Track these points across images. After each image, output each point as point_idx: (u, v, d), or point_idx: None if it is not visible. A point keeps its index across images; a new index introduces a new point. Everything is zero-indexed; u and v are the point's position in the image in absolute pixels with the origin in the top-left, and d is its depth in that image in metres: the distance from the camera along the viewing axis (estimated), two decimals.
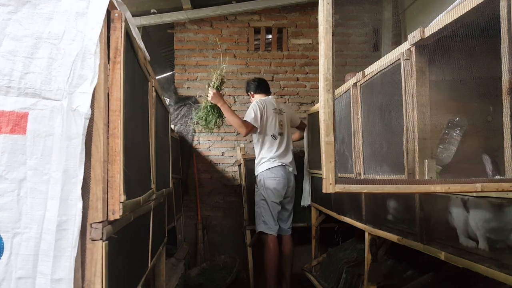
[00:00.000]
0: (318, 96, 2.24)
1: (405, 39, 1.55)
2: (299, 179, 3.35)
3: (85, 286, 1.01)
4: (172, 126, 3.82)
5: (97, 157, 1.03)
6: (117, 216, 1.08)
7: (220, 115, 3.08)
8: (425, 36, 1.44)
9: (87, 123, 1.01)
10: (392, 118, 1.71)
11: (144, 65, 1.55)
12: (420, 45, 1.51)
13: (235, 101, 4.13)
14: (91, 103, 1.02)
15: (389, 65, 1.70)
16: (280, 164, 3.11)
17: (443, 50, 1.51)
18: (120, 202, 1.08)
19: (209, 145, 4.14)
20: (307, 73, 4.19)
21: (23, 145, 0.97)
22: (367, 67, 1.97)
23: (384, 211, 2.01)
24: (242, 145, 3.90)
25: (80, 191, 0.98)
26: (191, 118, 4.09)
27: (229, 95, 4.14)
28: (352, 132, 2.15)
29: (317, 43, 1.57)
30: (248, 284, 3.50)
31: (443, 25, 1.33)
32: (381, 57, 1.85)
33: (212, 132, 3.67)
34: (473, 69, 1.52)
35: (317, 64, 3.37)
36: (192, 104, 4.10)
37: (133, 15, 1.82)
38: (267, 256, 3.05)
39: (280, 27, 4.19)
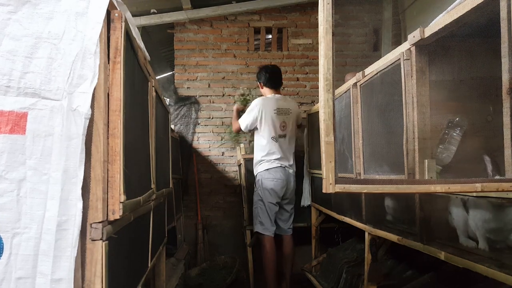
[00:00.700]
0: (318, 96, 2.24)
1: (405, 39, 1.55)
2: (299, 179, 3.34)
3: (85, 286, 1.01)
4: (172, 126, 3.82)
5: (97, 157, 1.03)
6: (117, 216, 1.08)
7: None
8: (425, 36, 1.43)
9: (87, 123, 1.01)
10: (392, 118, 1.71)
11: (144, 65, 1.55)
12: (420, 45, 1.51)
13: (235, 102, 4.13)
14: (91, 103, 1.02)
15: (389, 65, 1.70)
16: (280, 165, 3.09)
17: (443, 50, 1.51)
18: (120, 202, 1.08)
19: (209, 145, 4.14)
20: (307, 73, 4.19)
21: (23, 145, 0.97)
22: (367, 67, 1.97)
23: (384, 211, 2.01)
24: (242, 145, 3.90)
25: (80, 191, 0.98)
26: (191, 118, 4.09)
27: (229, 95, 4.14)
28: (352, 132, 2.15)
29: (317, 43, 1.57)
30: (248, 284, 3.50)
31: (443, 25, 1.33)
32: (381, 57, 1.85)
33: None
34: (473, 69, 1.52)
35: (317, 64, 3.37)
36: (192, 104, 4.10)
37: (133, 15, 1.82)
38: (264, 257, 3.06)
39: (280, 27, 4.19)
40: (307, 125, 3.42)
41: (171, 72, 4.42)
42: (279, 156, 3.09)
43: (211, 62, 4.13)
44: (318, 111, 2.05)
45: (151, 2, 3.71)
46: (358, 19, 4.19)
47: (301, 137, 3.60)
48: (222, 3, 3.94)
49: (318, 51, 1.18)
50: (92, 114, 1.03)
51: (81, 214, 0.98)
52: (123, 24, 1.13)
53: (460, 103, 1.59)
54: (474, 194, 1.34)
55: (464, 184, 1.13)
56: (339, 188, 1.13)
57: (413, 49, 1.53)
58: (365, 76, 1.98)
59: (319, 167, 2.89)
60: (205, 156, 4.14)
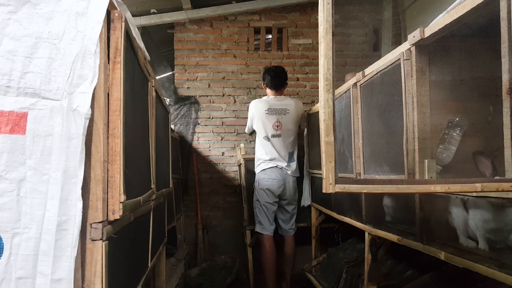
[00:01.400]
0: (318, 96, 2.24)
1: (405, 39, 1.55)
2: (299, 179, 3.34)
3: (85, 286, 1.01)
4: (172, 126, 3.82)
5: (97, 157, 1.03)
6: (117, 216, 1.08)
7: None
8: (425, 36, 1.43)
9: (87, 123, 1.01)
10: (392, 118, 1.71)
11: (144, 65, 1.55)
12: (420, 45, 1.51)
13: (235, 101, 4.13)
14: (91, 103, 1.02)
15: (389, 65, 1.70)
16: (275, 165, 3.10)
17: (443, 50, 1.51)
18: (120, 202, 1.08)
19: (209, 145, 4.14)
20: (307, 73, 4.19)
21: (23, 145, 0.97)
22: (367, 67, 1.97)
23: (384, 211, 2.01)
24: (242, 145, 3.90)
25: (80, 191, 0.98)
26: (191, 118, 4.09)
27: (229, 95, 4.14)
28: (352, 132, 2.15)
29: (317, 43, 1.57)
30: (248, 284, 3.50)
31: (443, 25, 1.33)
32: (381, 57, 1.85)
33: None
34: (473, 69, 1.52)
35: (317, 64, 3.36)
36: (192, 104, 4.10)
37: (133, 15, 1.82)
38: (263, 256, 3.06)
39: (280, 27, 4.19)
40: (307, 125, 3.42)
41: (171, 72, 4.42)
42: (274, 156, 3.10)
43: (211, 62, 4.13)
44: (318, 111, 2.05)
45: (151, 2, 3.71)
46: (358, 19, 4.19)
47: (302, 136, 3.60)
48: (222, 3, 3.94)
49: (318, 51, 1.18)
50: (92, 114, 1.03)
51: (81, 214, 0.98)
52: (123, 24, 1.13)
53: (460, 103, 1.59)
54: (474, 194, 1.34)
55: (464, 184, 1.13)
56: (339, 188, 1.13)
57: (413, 49, 1.53)
58: (365, 76, 1.98)
59: (319, 167, 2.89)
60: (205, 156, 4.14)
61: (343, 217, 2.64)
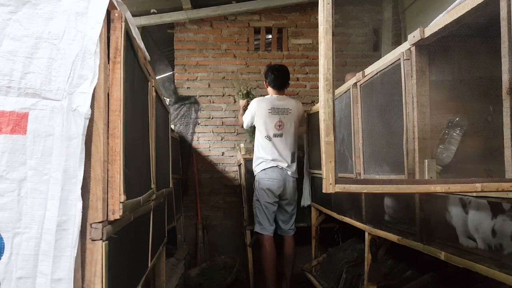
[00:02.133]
0: (318, 96, 2.24)
1: (405, 39, 1.55)
2: (299, 179, 3.34)
3: (85, 286, 1.01)
4: (172, 126, 3.82)
5: (97, 157, 1.03)
6: (117, 216, 1.08)
7: None
8: (425, 36, 1.44)
9: (87, 123, 1.01)
10: (392, 118, 1.71)
11: (144, 65, 1.55)
12: (420, 45, 1.51)
13: (235, 101, 4.13)
14: (91, 103, 1.02)
15: (389, 65, 1.70)
16: (276, 165, 3.09)
17: (443, 50, 1.51)
18: (120, 202, 1.08)
19: (209, 145, 4.14)
20: (307, 73, 4.20)
21: (23, 145, 0.97)
22: (367, 67, 1.97)
23: (384, 211, 2.01)
24: (242, 145, 3.90)
25: (80, 191, 0.98)
26: (191, 118, 4.09)
27: (229, 95, 4.14)
28: (352, 132, 2.15)
29: (317, 43, 1.57)
30: (248, 284, 3.50)
31: (443, 25, 1.33)
32: (381, 57, 1.85)
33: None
34: (473, 69, 1.52)
35: (317, 64, 3.36)
36: (192, 104, 4.10)
37: (133, 15, 1.82)
38: (263, 256, 3.06)
39: (280, 27, 4.19)
40: (307, 125, 3.42)
41: (171, 72, 4.42)
42: (275, 156, 3.09)
43: (211, 62, 4.13)
44: (318, 111, 2.05)
45: (151, 2, 3.71)
46: (358, 19, 4.19)
47: (302, 136, 3.60)
48: (222, 3, 3.94)
49: (318, 51, 1.18)
50: (92, 114, 1.03)
51: (81, 214, 0.98)
52: (123, 24, 1.13)
53: (460, 103, 1.59)
54: (474, 194, 1.34)
55: (464, 184, 1.13)
56: (339, 188, 1.13)
57: (413, 49, 1.53)
58: (365, 76, 1.99)
59: (319, 167, 2.89)
60: (205, 156, 4.14)
61: (343, 217, 2.64)
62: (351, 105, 2.14)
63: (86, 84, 1.02)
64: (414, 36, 1.48)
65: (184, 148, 4.04)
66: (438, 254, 1.47)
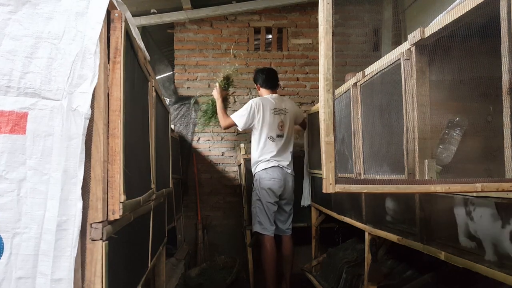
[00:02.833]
0: (318, 96, 2.24)
1: (405, 39, 1.55)
2: (299, 179, 3.34)
3: (85, 286, 1.01)
4: (172, 126, 3.82)
5: (97, 157, 1.03)
6: (117, 216, 1.08)
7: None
8: (425, 36, 1.44)
9: (87, 123, 1.01)
10: (392, 118, 1.71)
11: (144, 65, 1.55)
12: (420, 45, 1.51)
13: (235, 101, 4.13)
14: (91, 103, 1.02)
15: (389, 65, 1.70)
16: (277, 165, 3.09)
17: (443, 50, 1.51)
18: (120, 202, 1.08)
19: (209, 145, 4.14)
20: (307, 73, 4.19)
21: (23, 145, 0.97)
22: (367, 67, 1.97)
23: (384, 211, 2.01)
24: (242, 145, 3.90)
25: (80, 191, 0.98)
26: (191, 118, 4.09)
27: (229, 95, 4.14)
28: (352, 132, 2.15)
29: (317, 43, 1.57)
30: (248, 284, 3.50)
31: (443, 25, 1.33)
32: (381, 57, 1.85)
33: (208, 126, 3.95)
34: (473, 69, 1.52)
35: (317, 64, 3.36)
36: (192, 104, 4.10)
37: (133, 15, 1.82)
38: (264, 257, 3.05)
39: (280, 27, 4.19)
40: (307, 125, 3.42)
41: (171, 72, 4.42)
42: (276, 156, 3.09)
43: (211, 62, 4.13)
44: (318, 111, 2.05)
45: (151, 2, 3.71)
46: (358, 19, 4.19)
47: (302, 135, 3.60)
48: (222, 3, 3.94)
49: (318, 51, 1.18)
50: (92, 114, 1.03)
51: (81, 214, 0.98)
52: (123, 24, 1.13)
53: (460, 103, 1.59)
54: (474, 194, 1.34)
55: (464, 184, 1.13)
56: (339, 188, 1.13)
57: (413, 49, 1.53)
58: (365, 76, 1.98)
59: (319, 167, 2.89)
60: (205, 156, 4.14)
61: (343, 217, 2.64)
62: (351, 105, 2.14)
63: (86, 84, 1.02)
64: (414, 36, 1.48)
65: (184, 148, 4.04)
66: (438, 254, 1.47)
